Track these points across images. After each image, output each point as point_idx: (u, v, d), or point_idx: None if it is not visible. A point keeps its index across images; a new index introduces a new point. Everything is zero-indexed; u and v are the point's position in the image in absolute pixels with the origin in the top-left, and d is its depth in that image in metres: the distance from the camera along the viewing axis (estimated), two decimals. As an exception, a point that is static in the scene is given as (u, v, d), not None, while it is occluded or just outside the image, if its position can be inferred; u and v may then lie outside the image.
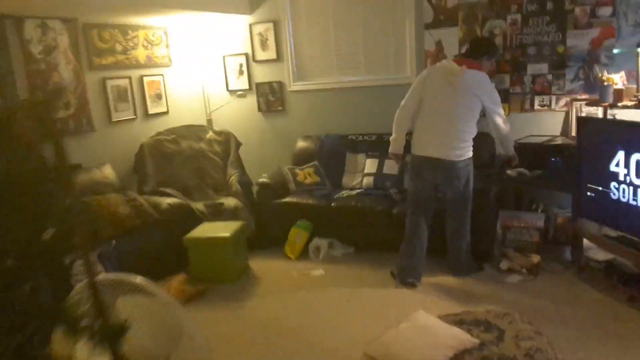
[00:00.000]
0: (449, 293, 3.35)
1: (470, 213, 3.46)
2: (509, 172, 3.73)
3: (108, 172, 4.16)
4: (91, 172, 4.03)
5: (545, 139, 3.89)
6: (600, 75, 3.42)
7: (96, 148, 4.29)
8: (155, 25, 4.86)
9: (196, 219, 4.05)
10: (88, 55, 4.21)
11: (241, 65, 5.18)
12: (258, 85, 5.18)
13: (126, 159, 4.51)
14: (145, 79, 4.78)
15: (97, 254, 3.32)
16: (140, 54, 4.73)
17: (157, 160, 4.47)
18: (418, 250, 3.45)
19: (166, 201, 3.95)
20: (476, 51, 3.34)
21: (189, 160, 4.57)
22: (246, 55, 5.14)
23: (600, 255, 3.30)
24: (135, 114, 4.68)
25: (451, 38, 4.30)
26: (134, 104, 4.66)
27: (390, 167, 4.35)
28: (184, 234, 3.79)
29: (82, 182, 3.88)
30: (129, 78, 4.61)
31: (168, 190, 4.18)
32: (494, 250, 3.66)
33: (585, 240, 3.41)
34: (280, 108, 5.15)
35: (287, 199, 4.31)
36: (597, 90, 3.69)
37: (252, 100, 5.23)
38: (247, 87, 5.21)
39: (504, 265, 3.54)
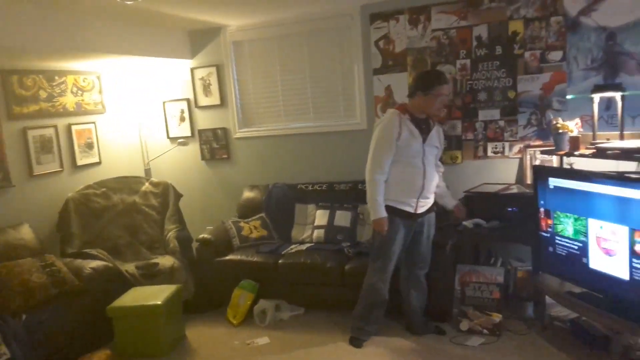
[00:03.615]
0: (405, 357, 3.07)
1: (371, 267, 3.23)
2: (465, 223, 3.51)
3: (25, 232, 3.69)
4: (5, 233, 3.57)
5: (500, 187, 3.72)
6: (554, 122, 3.29)
7: (14, 205, 3.84)
8: (87, 70, 4.52)
9: (126, 284, 3.61)
10: (6, 104, 3.81)
11: (182, 112, 4.88)
12: (201, 132, 4.87)
13: (49, 216, 4.06)
14: (74, 128, 4.38)
15: (2, 333, 2.84)
16: (69, 100, 4.35)
17: (83, 217, 4.04)
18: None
19: (90, 265, 3.50)
20: (409, 90, 3.24)
21: (120, 216, 4.16)
22: (188, 100, 4.85)
23: (566, 312, 3.08)
24: (61, 166, 4.26)
25: (401, 83, 4.15)
26: (60, 155, 4.24)
27: (342, 218, 4.08)
28: (110, 301, 3.35)
29: (-7, 245, 3.42)
30: (55, 127, 4.21)
31: (93, 251, 3.73)
32: (453, 308, 3.39)
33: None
34: (225, 156, 4.84)
35: (230, 257, 3.95)
36: (550, 136, 3.57)
37: (194, 148, 4.90)
38: (189, 134, 4.89)
39: (464, 325, 3.27)
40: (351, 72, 4.33)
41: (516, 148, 3.86)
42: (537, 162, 3.71)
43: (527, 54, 3.74)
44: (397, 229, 3.12)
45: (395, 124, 3.04)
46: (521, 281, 3.48)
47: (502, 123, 3.89)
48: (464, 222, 3.52)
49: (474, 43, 3.89)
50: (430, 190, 3.17)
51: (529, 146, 3.80)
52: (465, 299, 3.38)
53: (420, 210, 3.15)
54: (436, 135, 3.19)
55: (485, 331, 3.21)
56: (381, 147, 3.05)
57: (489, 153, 3.95)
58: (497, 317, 3.22)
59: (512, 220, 3.44)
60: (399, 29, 4.10)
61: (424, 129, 3.11)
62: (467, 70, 3.94)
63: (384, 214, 3.06)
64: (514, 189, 3.66)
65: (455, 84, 3.98)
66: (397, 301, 3.31)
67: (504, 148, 3.90)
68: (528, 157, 3.79)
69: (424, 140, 3.09)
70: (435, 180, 3.20)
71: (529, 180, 3.71)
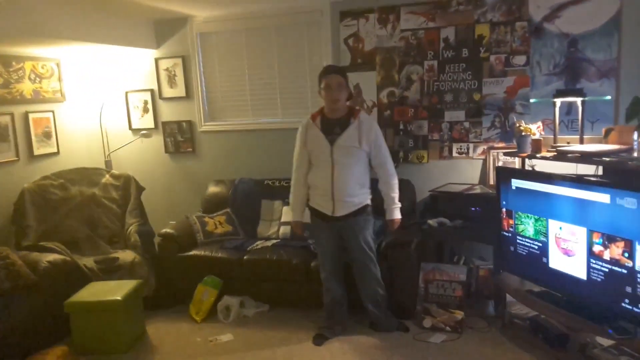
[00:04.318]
0: (368, 353, 3.08)
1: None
2: (429, 221, 3.56)
3: (-24, 223, 3.52)
4: (-46, 225, 3.40)
5: (464, 187, 3.79)
6: (517, 125, 3.38)
7: (-36, 195, 3.66)
8: (46, 56, 4.34)
9: (84, 278, 3.49)
10: (-42, 88, 3.62)
11: (146, 102, 4.75)
12: (165, 124, 4.76)
13: (4, 207, 3.90)
14: (31, 116, 4.21)
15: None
16: (26, 87, 4.17)
17: (40, 209, 3.88)
18: None
19: (46, 258, 3.36)
20: None
21: (78, 208, 4.02)
22: (151, 91, 4.73)
23: (525, 310, 3.17)
24: (17, 156, 4.09)
25: (369, 82, 4.17)
26: (16, 144, 4.07)
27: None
28: (67, 296, 3.24)
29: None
30: (11, 115, 4.03)
31: (50, 244, 3.59)
32: (417, 306, 3.43)
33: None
34: (189, 149, 4.74)
35: (194, 252, 3.87)
36: (513, 138, 3.66)
37: (158, 140, 4.79)
38: (152, 125, 4.77)
39: (427, 322, 3.31)
40: (320, 68, 4.28)
41: (480, 149, 3.94)
42: (500, 164, 3.80)
43: (492, 58, 3.82)
44: (320, 229, 3.21)
45: (302, 131, 3.17)
46: (483, 279, 3.56)
47: (467, 124, 3.97)
48: (429, 221, 3.58)
49: (442, 45, 3.95)
50: (346, 193, 3.04)
51: (492, 148, 3.89)
52: (428, 297, 3.44)
53: (340, 213, 3.08)
54: (355, 134, 3.03)
55: (447, 328, 3.26)
56: (294, 155, 3.25)
57: (454, 153, 4.02)
58: (459, 315, 3.28)
59: (475, 220, 3.52)
60: (369, 28, 4.12)
61: (335, 130, 3.05)
62: (434, 71, 3.99)
63: (295, 218, 3.31)
64: (478, 189, 3.74)
65: (422, 85, 4.03)
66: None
67: (468, 149, 3.98)
68: (491, 158, 3.88)
69: (333, 142, 3.03)
70: (353, 182, 3.05)
71: (492, 181, 3.80)
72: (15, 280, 3.15)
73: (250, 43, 4.47)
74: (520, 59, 3.75)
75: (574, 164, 3.06)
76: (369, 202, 3.16)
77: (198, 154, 4.75)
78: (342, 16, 4.16)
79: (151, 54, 4.64)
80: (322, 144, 3.06)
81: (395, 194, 3.17)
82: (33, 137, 4.21)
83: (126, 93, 4.78)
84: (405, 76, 4.07)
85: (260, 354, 3.18)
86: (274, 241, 3.98)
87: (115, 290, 3.30)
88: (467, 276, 3.45)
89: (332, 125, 3.07)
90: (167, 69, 4.65)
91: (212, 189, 4.47)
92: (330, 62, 4.23)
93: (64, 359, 3.03)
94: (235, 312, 3.64)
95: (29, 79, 4.21)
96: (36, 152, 4.24)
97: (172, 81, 4.67)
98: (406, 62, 4.05)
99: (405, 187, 3.98)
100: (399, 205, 3.19)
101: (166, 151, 4.80)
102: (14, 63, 4.07)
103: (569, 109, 3.57)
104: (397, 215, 3.19)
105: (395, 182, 3.17)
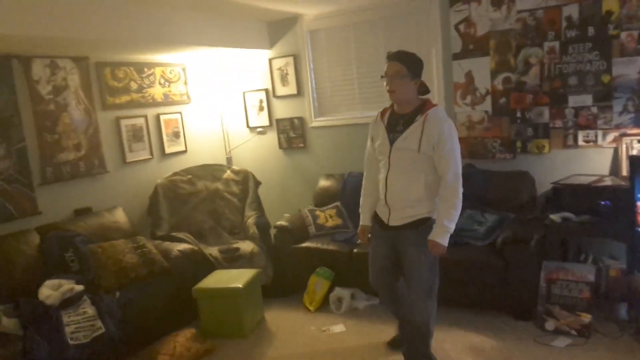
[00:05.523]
0: (485, 354, 2.96)
1: None
2: (552, 216, 3.33)
3: (119, 215, 3.97)
4: (101, 216, 3.87)
5: (592, 178, 3.48)
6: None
7: (109, 190, 4.14)
8: (173, 62, 4.74)
9: (209, 266, 3.79)
10: (101, 94, 4.09)
11: (261, 101, 4.99)
12: (278, 121, 4.97)
13: (141, 200, 4.34)
14: (162, 117, 4.63)
15: (97, 309, 3.09)
16: (157, 91, 4.59)
17: (171, 202, 4.28)
18: None
19: (177, 248, 3.71)
20: None
21: (204, 202, 4.36)
22: (266, 90, 4.96)
23: (664, 315, 2.85)
24: (151, 154, 4.52)
25: (482, 68, 3.98)
26: (150, 143, 4.51)
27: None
28: (195, 283, 3.54)
29: (91, 227, 3.72)
30: (145, 117, 4.47)
31: (180, 235, 3.95)
32: (538, 307, 3.23)
33: (644, 298, 2.96)
34: (301, 145, 4.91)
35: (306, 244, 4.01)
36: (651, 124, 3.29)
37: (272, 137, 5.01)
38: (267, 123, 5.01)
39: (549, 325, 3.10)
40: (429, 57, 4.20)
41: (610, 136, 3.58)
42: (635, 152, 3.43)
43: (623, 35, 3.45)
44: (375, 236, 2.78)
45: (371, 126, 2.75)
46: (614, 280, 3.24)
47: (594, 109, 3.63)
48: (551, 216, 3.34)
49: (564, 24, 3.65)
50: (400, 201, 2.57)
51: (625, 134, 3.51)
52: (551, 297, 3.21)
53: (394, 223, 2.62)
54: (416, 134, 2.48)
55: (573, 332, 3.03)
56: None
57: (580, 142, 3.70)
58: (586, 318, 3.03)
59: (605, 215, 3.22)
60: (481, 11, 3.93)
61: (398, 127, 2.56)
62: (555, 53, 3.70)
63: (361, 222, 2.86)
64: (608, 181, 3.41)
65: (542, 69, 3.76)
66: (481, 295, 3.24)
67: (596, 136, 3.64)
68: (624, 146, 3.51)
69: (392, 141, 2.56)
70: (410, 190, 2.54)
71: (624, 172, 3.44)
72: (151, 267, 3.51)
73: (358, 37, 4.50)
74: (657, 35, 3.35)
75: None
76: (432, 215, 2.57)
77: (309, 149, 4.89)
78: (452, 1, 4.02)
79: (265, 54, 4.86)
80: (384, 143, 2.59)
81: (447, 213, 2.46)
82: (164, 137, 4.64)
83: (244, 93, 5.06)
84: (523, 60, 3.83)
85: (372, 346, 3.21)
86: (384, 234, 3.98)
87: (237, 278, 3.53)
88: (595, 276, 3.17)
89: (397, 122, 2.58)
90: (279, 68, 4.84)
91: (323, 183, 4.59)
92: (440, 50, 4.12)
93: (193, 340, 3.30)
94: (347, 303, 3.71)
95: (159, 83, 4.63)
96: (167, 150, 4.67)
97: (284, 79, 4.85)
98: (523, 45, 3.81)
99: (524, 179, 3.79)
100: (447, 227, 2.45)
101: (280, 147, 5.01)
102: (145, 69, 4.50)
103: None
104: (440, 239, 2.46)
105: (454, 201, 2.46)
